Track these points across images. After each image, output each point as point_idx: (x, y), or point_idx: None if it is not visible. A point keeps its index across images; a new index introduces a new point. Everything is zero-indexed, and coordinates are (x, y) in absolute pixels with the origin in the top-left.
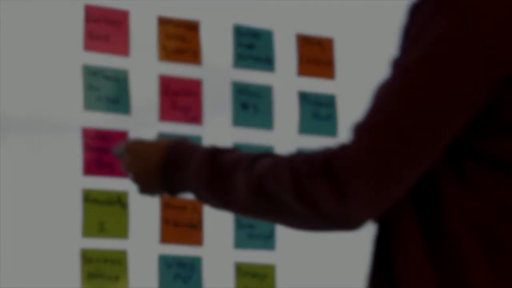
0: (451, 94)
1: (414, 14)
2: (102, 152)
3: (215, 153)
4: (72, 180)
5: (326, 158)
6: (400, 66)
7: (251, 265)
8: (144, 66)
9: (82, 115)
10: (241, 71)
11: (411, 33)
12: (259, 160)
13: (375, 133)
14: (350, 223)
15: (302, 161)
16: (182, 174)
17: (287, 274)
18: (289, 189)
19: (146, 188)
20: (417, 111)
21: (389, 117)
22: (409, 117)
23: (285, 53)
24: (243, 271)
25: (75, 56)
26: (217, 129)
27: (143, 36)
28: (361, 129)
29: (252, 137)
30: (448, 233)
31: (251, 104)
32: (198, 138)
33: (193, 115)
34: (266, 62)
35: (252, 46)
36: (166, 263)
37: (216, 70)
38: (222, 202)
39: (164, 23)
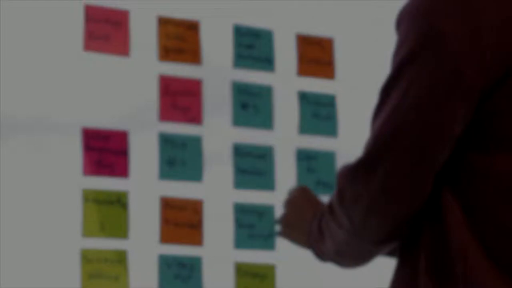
0: (429, 115)
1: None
2: (102, 152)
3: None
4: (72, 180)
5: None
6: (380, 92)
7: (251, 265)
8: (144, 66)
9: (82, 115)
10: (241, 71)
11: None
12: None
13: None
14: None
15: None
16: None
17: (287, 274)
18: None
19: (292, 237)
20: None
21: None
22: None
23: (285, 53)
24: (243, 271)
25: (75, 56)
26: (217, 129)
27: (143, 36)
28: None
29: (252, 137)
30: (452, 244)
31: (251, 104)
32: (198, 138)
33: (193, 115)
34: (266, 62)
35: (252, 46)
36: (166, 263)
37: (216, 70)
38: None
39: (164, 23)
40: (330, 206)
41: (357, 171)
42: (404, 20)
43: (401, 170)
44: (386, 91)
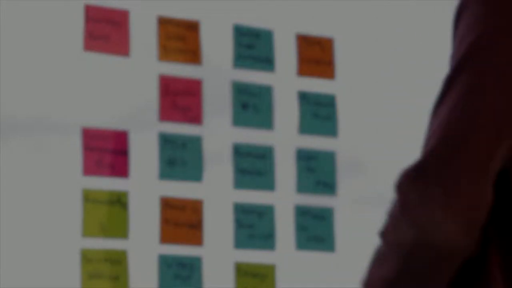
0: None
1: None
2: (102, 152)
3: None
4: (72, 180)
5: None
6: (446, 81)
7: (251, 265)
8: (144, 66)
9: (82, 115)
10: (241, 71)
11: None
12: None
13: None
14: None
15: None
16: None
17: (287, 274)
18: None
19: None
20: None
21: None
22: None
23: (285, 53)
24: (243, 271)
25: (75, 56)
26: (217, 129)
27: (143, 36)
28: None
29: (252, 137)
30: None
31: (251, 104)
32: (198, 138)
33: (193, 115)
34: (266, 62)
35: (252, 46)
36: (166, 263)
37: (216, 70)
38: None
39: (164, 23)
40: (391, 220)
41: (422, 173)
42: (465, 14)
43: (471, 168)
44: (449, 84)
